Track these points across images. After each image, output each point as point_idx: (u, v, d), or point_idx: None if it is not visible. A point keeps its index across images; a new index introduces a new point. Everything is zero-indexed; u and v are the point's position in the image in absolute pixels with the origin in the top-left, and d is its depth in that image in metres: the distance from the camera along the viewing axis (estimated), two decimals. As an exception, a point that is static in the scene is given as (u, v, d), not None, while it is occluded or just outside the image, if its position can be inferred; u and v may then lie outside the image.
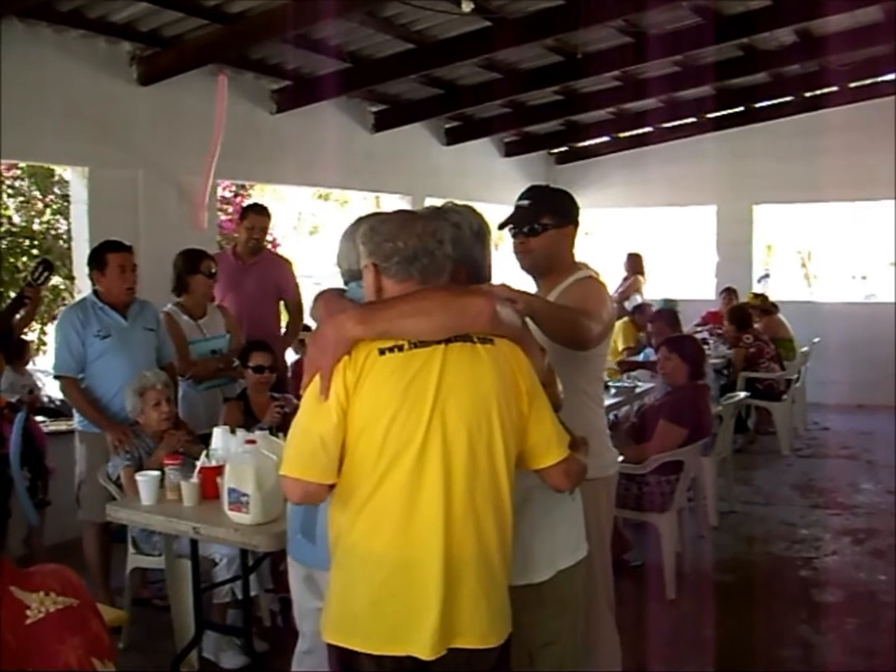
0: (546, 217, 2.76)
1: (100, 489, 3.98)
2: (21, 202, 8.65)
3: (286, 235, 14.04)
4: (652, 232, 12.79)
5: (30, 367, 5.92)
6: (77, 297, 5.20)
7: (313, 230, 16.36)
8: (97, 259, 4.29)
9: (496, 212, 5.78)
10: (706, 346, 6.48)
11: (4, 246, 7.72)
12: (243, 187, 10.11)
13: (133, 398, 4.01)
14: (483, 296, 2.02)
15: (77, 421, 4.39)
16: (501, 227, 2.81)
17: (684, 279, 13.04)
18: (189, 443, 3.95)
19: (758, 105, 9.37)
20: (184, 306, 4.83)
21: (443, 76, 7.18)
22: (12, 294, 5.41)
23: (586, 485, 2.35)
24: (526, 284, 2.77)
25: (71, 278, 6.47)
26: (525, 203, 2.81)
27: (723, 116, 9.45)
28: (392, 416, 1.89)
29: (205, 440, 3.70)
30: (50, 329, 7.71)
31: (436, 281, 2.02)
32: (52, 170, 8.10)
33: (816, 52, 7.45)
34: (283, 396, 4.40)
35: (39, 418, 5.23)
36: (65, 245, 7.47)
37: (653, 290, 9.56)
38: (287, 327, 5.78)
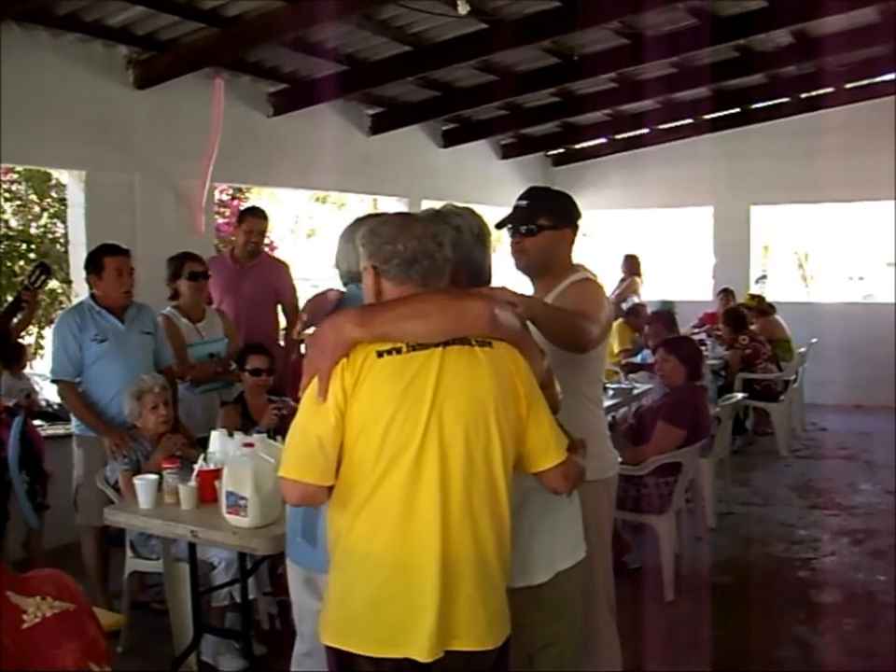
0: (543, 219, 2.76)
1: (98, 493, 3.98)
2: (18, 205, 8.66)
3: (283, 238, 14.03)
4: (650, 234, 12.77)
5: (27, 371, 5.90)
6: (75, 301, 5.18)
7: (310, 232, 16.35)
8: (94, 263, 4.29)
9: (493, 214, 5.76)
10: (703, 347, 6.48)
11: (1, 250, 7.72)
12: (240, 190, 10.11)
13: (131, 401, 4.01)
14: (481, 299, 2.02)
15: (74, 425, 4.38)
16: (498, 226, 2.81)
17: (681, 280, 13.02)
18: (186, 447, 3.95)
19: (754, 107, 9.37)
20: (181, 309, 4.84)
21: (440, 78, 7.18)
22: (9, 298, 5.41)
23: (587, 487, 2.35)
24: (523, 285, 2.76)
25: (68, 282, 6.47)
26: (524, 203, 2.81)
27: (720, 117, 9.46)
28: (390, 418, 1.89)
29: (203, 443, 3.70)
30: (48, 332, 7.73)
31: (435, 283, 2.03)
32: (49, 173, 8.09)
33: (812, 53, 7.46)
34: (280, 398, 4.40)
35: (37, 422, 5.22)
36: (62, 249, 7.47)
37: (651, 292, 9.55)
38: (285, 330, 5.77)
